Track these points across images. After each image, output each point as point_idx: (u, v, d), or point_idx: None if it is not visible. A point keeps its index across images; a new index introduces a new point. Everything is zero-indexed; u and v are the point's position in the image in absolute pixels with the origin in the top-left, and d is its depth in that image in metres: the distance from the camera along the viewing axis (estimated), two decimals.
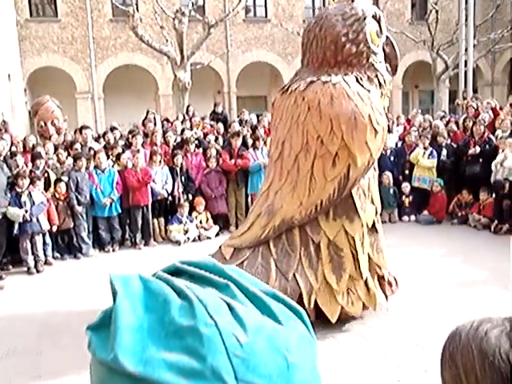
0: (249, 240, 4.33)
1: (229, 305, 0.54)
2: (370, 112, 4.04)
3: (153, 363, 0.49)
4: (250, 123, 10.29)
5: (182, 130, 9.24)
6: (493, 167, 7.95)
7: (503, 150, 7.97)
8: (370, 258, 4.37)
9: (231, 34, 19.07)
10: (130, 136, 8.69)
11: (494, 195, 7.96)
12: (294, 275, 4.15)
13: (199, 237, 7.94)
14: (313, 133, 4.10)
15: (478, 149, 8.32)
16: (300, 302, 4.07)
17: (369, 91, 4.14)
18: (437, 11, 15.77)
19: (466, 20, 13.96)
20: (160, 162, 7.92)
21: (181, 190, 8.10)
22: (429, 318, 4.53)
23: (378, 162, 4.69)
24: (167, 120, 11.45)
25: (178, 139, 8.96)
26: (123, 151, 7.95)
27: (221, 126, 10.10)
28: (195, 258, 0.64)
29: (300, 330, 0.58)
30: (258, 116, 11.15)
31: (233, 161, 8.34)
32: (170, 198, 8.09)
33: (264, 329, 0.54)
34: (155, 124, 9.72)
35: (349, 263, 4.20)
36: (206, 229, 8.09)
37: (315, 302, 4.14)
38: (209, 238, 7.98)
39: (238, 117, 11.23)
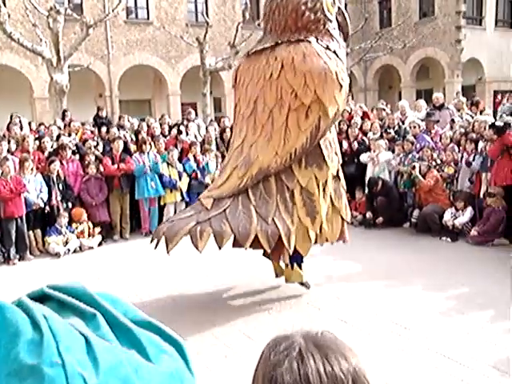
0: (228, 190, 4.59)
1: (87, 339, 0.50)
2: (336, 69, 4.55)
3: None
4: (133, 128, 10.00)
5: (58, 136, 8.70)
6: (361, 159, 8.61)
7: (375, 151, 8.63)
8: (332, 202, 4.86)
9: (112, 35, 18.42)
10: None
11: (366, 192, 8.57)
12: (273, 219, 4.49)
13: (81, 247, 7.54)
14: (287, 88, 4.53)
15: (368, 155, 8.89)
16: (280, 242, 4.51)
17: (335, 52, 4.66)
18: None
19: None
20: (32, 169, 7.38)
21: (59, 198, 7.63)
22: (306, 317, 4.72)
23: None
24: (43, 125, 10.71)
25: (55, 145, 8.43)
26: None
27: (104, 130, 9.69)
28: (64, 283, 0.60)
29: (170, 367, 0.55)
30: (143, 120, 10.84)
31: (115, 166, 8.06)
32: (47, 207, 7.58)
33: (121, 368, 0.50)
34: (22, 128, 9.03)
35: (319, 206, 4.67)
36: (89, 236, 7.70)
37: (293, 242, 4.56)
38: (91, 247, 7.62)
39: (118, 122, 10.80)
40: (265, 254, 5.10)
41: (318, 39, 4.67)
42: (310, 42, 4.62)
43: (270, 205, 4.55)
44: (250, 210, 4.50)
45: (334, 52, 4.70)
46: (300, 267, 5.09)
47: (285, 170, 4.61)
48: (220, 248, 4.37)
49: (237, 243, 4.64)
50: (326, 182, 4.73)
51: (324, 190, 4.73)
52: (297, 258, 4.97)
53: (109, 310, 0.56)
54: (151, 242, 4.56)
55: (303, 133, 4.53)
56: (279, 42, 4.68)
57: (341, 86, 4.58)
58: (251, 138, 4.69)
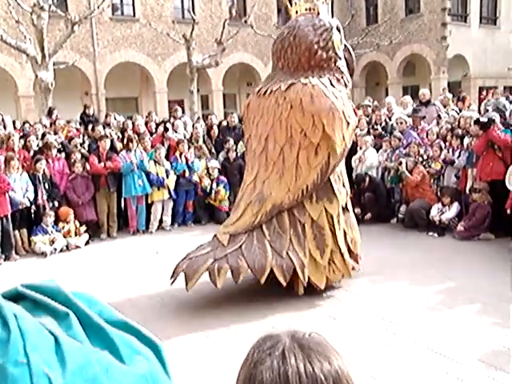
0: (243, 226, 4.75)
1: (57, 339, 0.50)
2: (342, 108, 4.72)
3: None
4: (119, 126, 9.92)
5: (43, 134, 8.60)
6: (352, 163, 8.58)
7: (361, 148, 8.66)
8: (345, 233, 5.01)
9: (97, 32, 18.24)
10: None
11: (355, 188, 8.60)
12: (287, 253, 4.67)
13: (67, 246, 7.47)
14: (296, 127, 4.70)
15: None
16: (294, 275, 4.71)
17: (340, 91, 4.83)
18: None
19: None
20: (18, 168, 7.29)
21: (45, 197, 7.55)
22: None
23: None
24: (28, 123, 10.58)
25: (40, 144, 8.33)
26: None
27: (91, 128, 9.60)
28: (39, 282, 0.59)
29: (144, 368, 0.54)
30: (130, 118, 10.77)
31: (102, 164, 7.99)
32: (33, 206, 7.50)
33: (89, 368, 0.49)
34: (5, 127, 8.91)
35: (329, 239, 4.82)
36: (75, 235, 7.62)
37: (306, 274, 4.73)
38: (78, 247, 7.55)
39: (104, 120, 10.70)
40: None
41: (331, 80, 4.83)
42: (322, 83, 4.75)
43: (284, 239, 4.72)
44: (264, 244, 4.66)
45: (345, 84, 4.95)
46: None
47: (297, 205, 4.78)
48: (236, 282, 4.61)
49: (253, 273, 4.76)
50: (338, 214, 4.91)
51: (339, 222, 4.91)
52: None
53: (82, 309, 0.55)
54: (171, 277, 4.70)
55: (314, 169, 4.70)
56: (295, 82, 4.76)
57: (348, 124, 4.75)
58: (263, 175, 4.85)
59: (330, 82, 4.85)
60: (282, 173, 4.76)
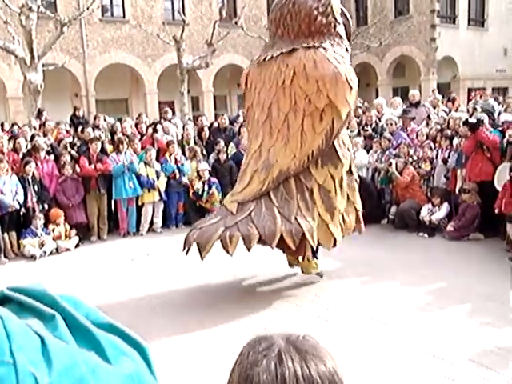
0: (250, 194, 4.78)
1: (43, 340, 0.50)
2: (345, 72, 4.75)
3: None
4: (109, 128, 9.87)
5: (32, 136, 8.53)
6: None
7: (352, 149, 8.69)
8: (347, 195, 5.08)
9: (87, 33, 18.16)
10: None
11: None
12: (296, 218, 4.69)
13: (57, 249, 7.41)
14: (300, 94, 4.72)
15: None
16: (302, 240, 4.69)
17: (342, 56, 4.88)
18: None
19: None
20: (7, 170, 7.23)
21: (35, 199, 7.49)
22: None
23: None
24: (16, 125, 10.50)
25: (29, 146, 8.26)
26: None
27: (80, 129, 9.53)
28: (25, 285, 0.59)
29: (129, 368, 0.55)
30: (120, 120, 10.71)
31: (92, 166, 7.95)
32: (22, 209, 7.43)
33: (76, 369, 0.50)
34: None
35: (336, 202, 4.90)
36: (65, 237, 7.57)
37: (316, 238, 4.75)
38: (68, 249, 7.50)
39: (93, 122, 10.62)
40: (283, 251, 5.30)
41: (332, 44, 4.85)
42: (324, 48, 4.77)
43: (292, 205, 4.75)
44: (273, 211, 4.69)
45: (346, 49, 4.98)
46: (316, 258, 5.31)
47: (303, 171, 4.82)
48: (249, 250, 4.56)
49: (261, 241, 4.75)
50: (341, 178, 4.99)
51: (341, 185, 4.99)
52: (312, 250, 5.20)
53: (68, 311, 0.55)
54: (183, 249, 4.68)
55: (319, 135, 4.73)
56: (297, 47, 4.78)
57: (351, 88, 4.78)
58: (268, 143, 4.88)
59: (332, 46, 4.87)
60: (288, 140, 4.79)
